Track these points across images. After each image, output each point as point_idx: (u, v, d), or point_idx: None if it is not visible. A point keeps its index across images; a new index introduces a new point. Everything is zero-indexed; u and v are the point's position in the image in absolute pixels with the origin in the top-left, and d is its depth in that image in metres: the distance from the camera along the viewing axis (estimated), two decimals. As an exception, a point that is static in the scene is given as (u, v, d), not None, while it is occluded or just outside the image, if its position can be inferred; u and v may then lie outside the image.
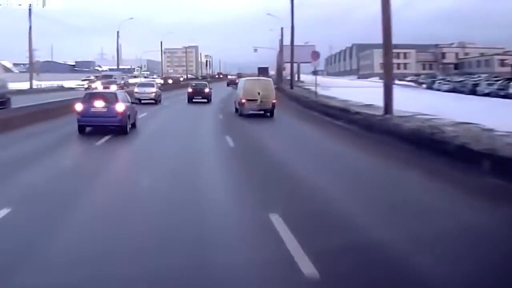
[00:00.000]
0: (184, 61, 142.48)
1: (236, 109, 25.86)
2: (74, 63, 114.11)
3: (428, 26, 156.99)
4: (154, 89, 34.93)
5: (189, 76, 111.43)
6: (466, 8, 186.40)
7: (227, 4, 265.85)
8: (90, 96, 17.50)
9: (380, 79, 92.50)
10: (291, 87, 47.43)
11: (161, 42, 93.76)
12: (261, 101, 24.08)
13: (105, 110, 16.64)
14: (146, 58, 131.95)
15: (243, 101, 24.37)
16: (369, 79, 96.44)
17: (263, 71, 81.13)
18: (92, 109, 16.62)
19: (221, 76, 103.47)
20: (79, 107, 16.79)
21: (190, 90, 37.23)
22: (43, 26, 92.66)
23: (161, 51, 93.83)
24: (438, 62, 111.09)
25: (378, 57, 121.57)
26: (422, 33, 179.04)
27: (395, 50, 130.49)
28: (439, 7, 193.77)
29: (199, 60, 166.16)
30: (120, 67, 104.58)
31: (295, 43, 51.59)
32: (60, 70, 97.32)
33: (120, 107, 16.75)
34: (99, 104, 16.71)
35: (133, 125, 18.26)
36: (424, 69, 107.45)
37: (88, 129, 16.97)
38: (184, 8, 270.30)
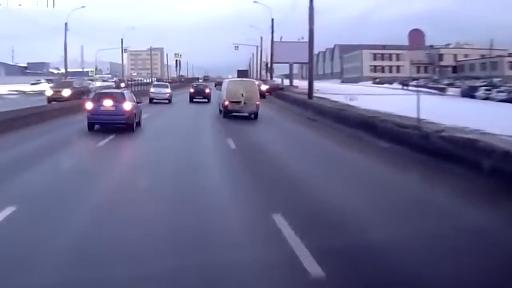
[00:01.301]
0: (149, 64, 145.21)
1: (220, 111, 28.71)
2: (26, 65, 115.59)
3: (421, 26, 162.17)
4: (168, 90, 43.33)
5: (153, 79, 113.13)
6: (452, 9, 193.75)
7: (196, 7, 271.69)
8: (100, 96, 20.69)
9: (373, 83, 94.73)
10: (309, 97, 36.92)
11: (122, 40, 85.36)
12: (244, 103, 26.77)
13: (113, 108, 19.74)
14: (109, 60, 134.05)
15: (226, 103, 27.16)
16: (359, 83, 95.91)
17: (242, 73, 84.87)
18: (102, 108, 19.74)
19: (182, 80, 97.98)
20: (89, 105, 19.86)
21: (191, 90, 45.28)
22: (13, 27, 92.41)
23: (122, 49, 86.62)
24: (434, 65, 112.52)
25: (368, 58, 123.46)
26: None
27: (386, 51, 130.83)
28: (429, 7, 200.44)
29: (166, 62, 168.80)
30: (75, 70, 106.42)
31: (285, 39, 50.25)
32: (9, 72, 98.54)
33: (127, 106, 19.85)
34: (108, 103, 19.80)
35: (138, 124, 21.34)
36: (418, 72, 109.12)
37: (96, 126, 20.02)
38: (152, 11, 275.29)
